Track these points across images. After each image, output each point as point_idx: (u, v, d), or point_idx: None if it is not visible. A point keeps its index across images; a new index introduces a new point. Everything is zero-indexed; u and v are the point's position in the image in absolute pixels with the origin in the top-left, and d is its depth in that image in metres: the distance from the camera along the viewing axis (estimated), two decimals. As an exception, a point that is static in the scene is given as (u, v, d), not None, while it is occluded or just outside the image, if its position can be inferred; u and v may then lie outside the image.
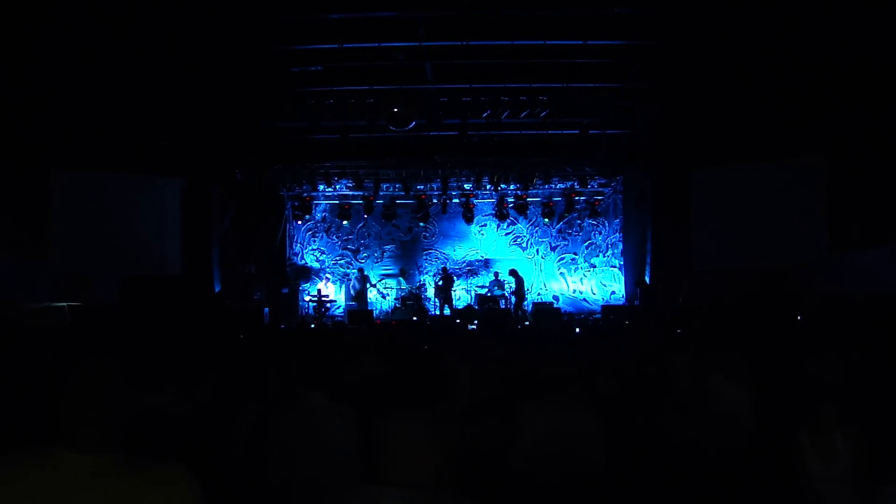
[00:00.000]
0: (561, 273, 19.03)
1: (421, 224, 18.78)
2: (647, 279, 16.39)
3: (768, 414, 4.07)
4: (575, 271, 19.01)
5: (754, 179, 13.67)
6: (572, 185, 17.94)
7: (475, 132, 14.15)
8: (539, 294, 18.54)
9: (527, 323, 15.79)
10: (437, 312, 17.29)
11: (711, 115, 12.81)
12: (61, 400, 1.86)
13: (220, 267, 15.46)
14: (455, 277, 18.49)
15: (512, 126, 14.08)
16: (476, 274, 19.07)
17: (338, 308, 18.42)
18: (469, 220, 18.42)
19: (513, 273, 17.48)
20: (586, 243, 19.07)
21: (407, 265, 18.95)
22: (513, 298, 17.43)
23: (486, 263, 19.07)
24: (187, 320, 11.47)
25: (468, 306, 17.67)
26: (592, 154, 15.73)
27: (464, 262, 19.20)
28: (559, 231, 19.13)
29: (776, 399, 4.17)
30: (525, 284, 17.51)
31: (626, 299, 17.96)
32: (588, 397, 4.27)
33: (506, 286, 17.94)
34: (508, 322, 15.00)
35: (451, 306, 17.40)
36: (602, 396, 4.65)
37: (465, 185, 18.16)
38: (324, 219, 19.29)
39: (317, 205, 19.08)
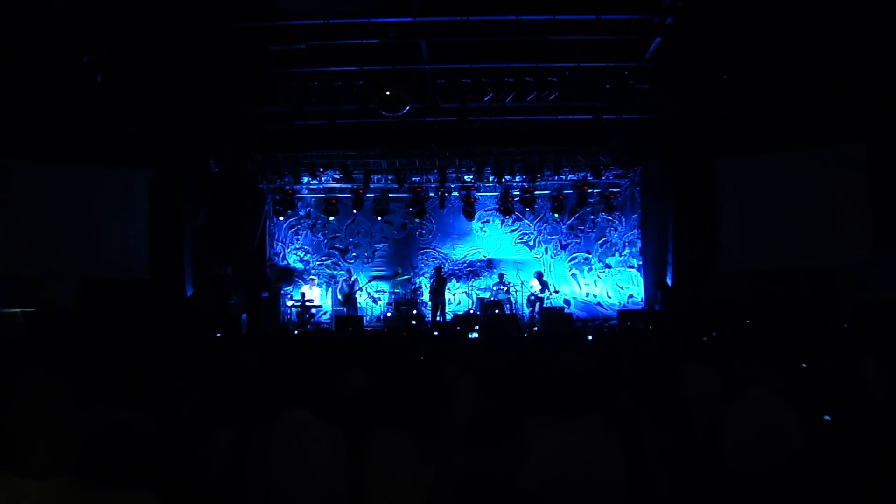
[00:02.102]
0: (572, 274, 18.97)
1: (416, 220, 18.73)
2: (668, 280, 16.37)
3: (819, 434, 4.02)
4: (588, 272, 18.96)
5: (787, 169, 13.64)
6: (585, 177, 17.93)
7: (476, 118, 14.13)
8: (532, 296, 18.50)
9: (535, 329, 15.76)
10: (432, 318, 17.27)
11: (739, 97, 12.77)
12: (7, 418, 1.82)
13: (193, 268, 15.40)
14: (451, 279, 18.48)
15: (517, 111, 14.05)
16: (478, 275, 19.01)
17: (324, 314, 18.37)
18: (470, 216, 18.38)
19: (538, 276, 17.48)
20: (600, 241, 19.01)
21: (401, 266, 18.89)
22: (525, 305, 17.46)
23: (490, 263, 19.02)
24: (155, 327, 11.42)
25: (469, 311, 17.64)
26: (607, 142, 15.73)
27: (464, 262, 19.15)
28: (570, 227, 19.07)
29: (825, 417, 4.11)
30: (549, 290, 17.54)
31: (645, 303, 17.93)
32: (605, 413, 4.22)
33: (511, 289, 17.94)
34: (515, 329, 14.95)
35: (443, 311, 17.39)
36: (621, 412, 4.61)
37: (466, 177, 18.12)
38: (308, 214, 19.21)
39: (300, 199, 18.99)
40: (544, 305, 17.50)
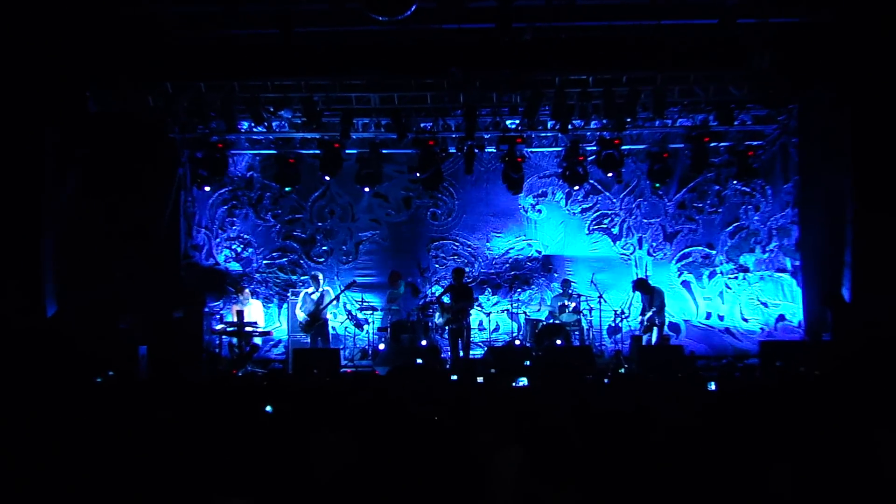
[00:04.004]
0: (684, 283, 18.91)
1: (427, 193, 18.81)
2: (844, 293, 16.21)
3: None
4: (710, 279, 18.89)
5: None
6: (705, 121, 17.79)
7: (526, 24, 14.06)
8: (643, 318, 18.42)
9: (622, 371, 15.67)
10: (451, 354, 17.18)
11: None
12: None
13: (58, 270, 15.43)
14: (483, 290, 18.46)
15: (593, 13, 13.98)
16: (528, 284, 18.99)
17: (275, 346, 18.41)
18: (515, 186, 18.32)
19: (640, 286, 17.48)
20: (730, 227, 18.93)
21: (403, 268, 18.83)
22: (606, 334, 17.39)
23: (547, 264, 19.00)
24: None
25: (513, 342, 17.60)
26: (743, 63, 15.58)
27: (505, 261, 19.12)
28: (680, 205, 19.00)
29: None
30: (664, 302, 17.48)
31: (805, 329, 17.83)
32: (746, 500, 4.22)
33: (583, 305, 17.83)
34: (589, 369, 14.86)
35: (466, 343, 17.31)
36: (775, 497, 4.60)
37: (509, 123, 18.10)
38: (249, 183, 19.27)
39: (237, 157, 19.06)
40: (631, 331, 17.50)
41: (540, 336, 17.26)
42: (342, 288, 18.47)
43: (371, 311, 18.70)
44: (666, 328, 17.89)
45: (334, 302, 18.05)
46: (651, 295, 17.29)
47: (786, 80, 16.54)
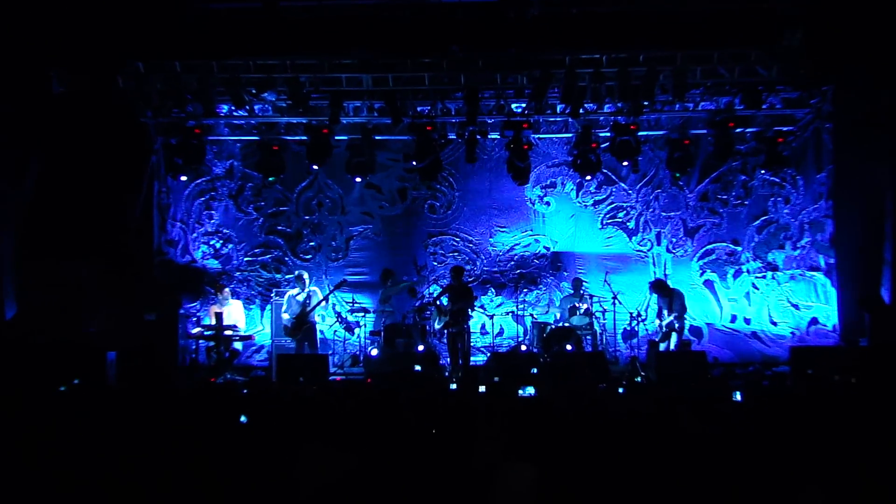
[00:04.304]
0: (707, 282, 18.87)
1: (425, 184, 18.76)
2: (884, 294, 16.18)
3: None
4: (735, 278, 18.86)
5: None
6: (730, 105, 17.77)
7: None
8: (661, 324, 18.36)
9: (638, 379, 15.63)
10: (451, 361, 17.11)
11: None
12: None
13: (19, 270, 15.39)
14: (486, 290, 18.41)
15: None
16: (535, 283, 18.96)
17: (257, 351, 18.38)
18: (522, 176, 18.28)
19: (658, 288, 17.42)
20: (758, 222, 18.89)
21: (398, 265, 18.77)
22: (621, 339, 17.35)
23: (556, 262, 18.97)
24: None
25: (518, 347, 17.60)
26: (772, 40, 15.54)
27: (509, 259, 19.09)
28: (702, 197, 18.96)
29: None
30: (685, 305, 17.28)
31: (840, 334, 17.80)
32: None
33: (595, 307, 17.78)
34: (601, 376, 14.81)
35: (465, 350, 17.22)
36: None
37: (514, 106, 18.07)
38: (230, 172, 19.23)
39: (216, 144, 19.02)
40: (648, 334, 17.46)
41: (548, 341, 17.23)
42: (331, 288, 18.37)
43: (363, 314, 18.57)
44: (686, 332, 17.80)
45: (322, 303, 17.91)
46: (670, 298, 17.09)
47: (819, 58, 16.49)
